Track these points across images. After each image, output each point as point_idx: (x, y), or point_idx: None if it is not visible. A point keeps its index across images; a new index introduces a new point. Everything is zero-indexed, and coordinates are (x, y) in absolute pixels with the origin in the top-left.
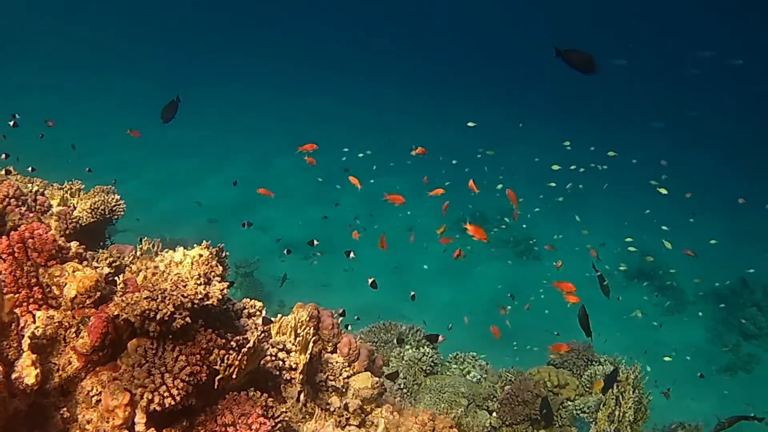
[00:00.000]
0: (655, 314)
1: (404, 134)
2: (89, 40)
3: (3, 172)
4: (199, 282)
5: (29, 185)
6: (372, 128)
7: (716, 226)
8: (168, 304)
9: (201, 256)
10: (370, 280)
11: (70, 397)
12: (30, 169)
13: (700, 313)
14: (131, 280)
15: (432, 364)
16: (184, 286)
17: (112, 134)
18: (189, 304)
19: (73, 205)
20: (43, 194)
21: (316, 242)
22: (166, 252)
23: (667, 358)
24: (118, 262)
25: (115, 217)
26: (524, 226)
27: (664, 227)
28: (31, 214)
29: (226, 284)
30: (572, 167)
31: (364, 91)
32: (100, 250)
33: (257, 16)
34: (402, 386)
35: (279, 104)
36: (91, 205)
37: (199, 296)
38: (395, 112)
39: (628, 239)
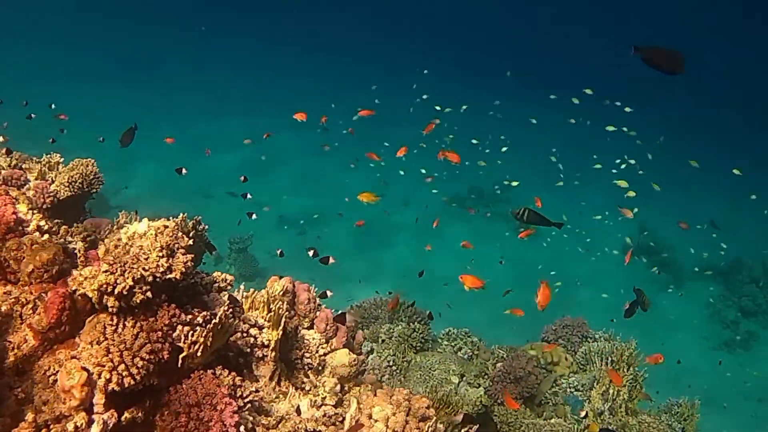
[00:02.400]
0: (653, 290)
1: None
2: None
3: None
4: (161, 254)
5: (8, 158)
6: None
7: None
8: (127, 278)
9: (166, 227)
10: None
11: (26, 377)
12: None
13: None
14: (92, 253)
15: (422, 341)
16: (146, 259)
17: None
18: (150, 278)
19: (51, 178)
20: (20, 168)
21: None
22: (132, 224)
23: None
24: (92, 237)
25: (94, 190)
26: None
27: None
28: (1, 187)
29: (190, 257)
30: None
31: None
32: (75, 224)
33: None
34: (391, 363)
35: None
36: (68, 179)
37: (161, 269)
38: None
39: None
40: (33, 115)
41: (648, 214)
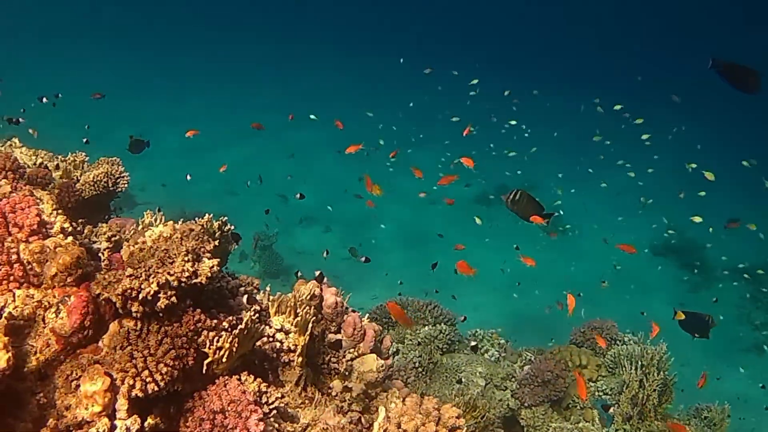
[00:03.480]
0: (681, 291)
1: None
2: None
3: (7, 143)
4: (187, 258)
5: (33, 157)
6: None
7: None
8: (152, 283)
9: (191, 230)
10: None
11: (48, 381)
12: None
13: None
14: (117, 256)
15: (449, 342)
16: (171, 263)
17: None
18: (175, 283)
19: (76, 177)
20: (45, 166)
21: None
22: (157, 225)
23: None
24: (117, 237)
25: (119, 189)
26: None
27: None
28: (26, 188)
29: (216, 261)
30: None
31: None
32: (100, 224)
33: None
34: (417, 365)
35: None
36: (93, 178)
37: (187, 274)
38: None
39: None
40: (54, 104)
41: (675, 213)
